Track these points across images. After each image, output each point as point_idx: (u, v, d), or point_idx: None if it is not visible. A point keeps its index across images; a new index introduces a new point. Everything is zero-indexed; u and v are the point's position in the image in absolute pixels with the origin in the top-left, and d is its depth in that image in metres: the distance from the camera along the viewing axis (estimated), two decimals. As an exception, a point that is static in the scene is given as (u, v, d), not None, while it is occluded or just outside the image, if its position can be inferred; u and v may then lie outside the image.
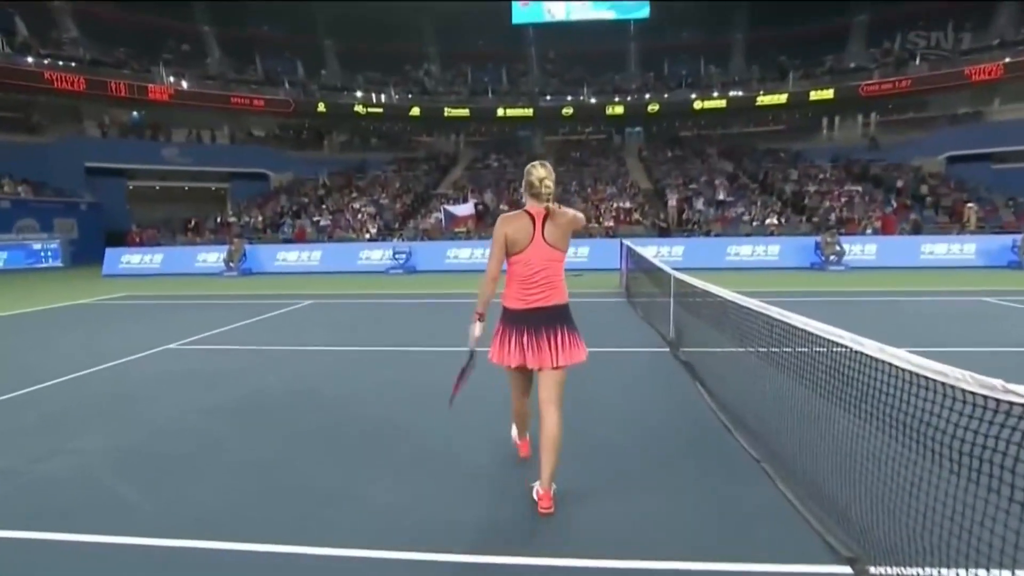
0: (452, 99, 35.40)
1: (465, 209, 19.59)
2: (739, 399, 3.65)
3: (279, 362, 5.88)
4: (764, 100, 31.80)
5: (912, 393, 1.78)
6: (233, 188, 30.57)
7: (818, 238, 15.47)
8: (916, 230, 17.23)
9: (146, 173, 28.95)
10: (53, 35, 28.73)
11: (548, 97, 35.66)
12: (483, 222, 18.71)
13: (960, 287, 10.71)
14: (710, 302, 4.37)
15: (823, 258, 14.89)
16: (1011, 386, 1.36)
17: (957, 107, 28.75)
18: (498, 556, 2.32)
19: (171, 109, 29.81)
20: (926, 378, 1.66)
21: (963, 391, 1.50)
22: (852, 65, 31.91)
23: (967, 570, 1.55)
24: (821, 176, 23.49)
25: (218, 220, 22.95)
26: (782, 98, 31.46)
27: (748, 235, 17.32)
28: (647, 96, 34.37)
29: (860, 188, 21.22)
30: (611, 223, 19.03)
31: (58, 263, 21.01)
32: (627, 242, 10.85)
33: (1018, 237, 14.64)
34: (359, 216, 21.49)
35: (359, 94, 34.69)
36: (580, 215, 2.78)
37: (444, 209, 19.98)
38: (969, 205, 17.87)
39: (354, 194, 25.33)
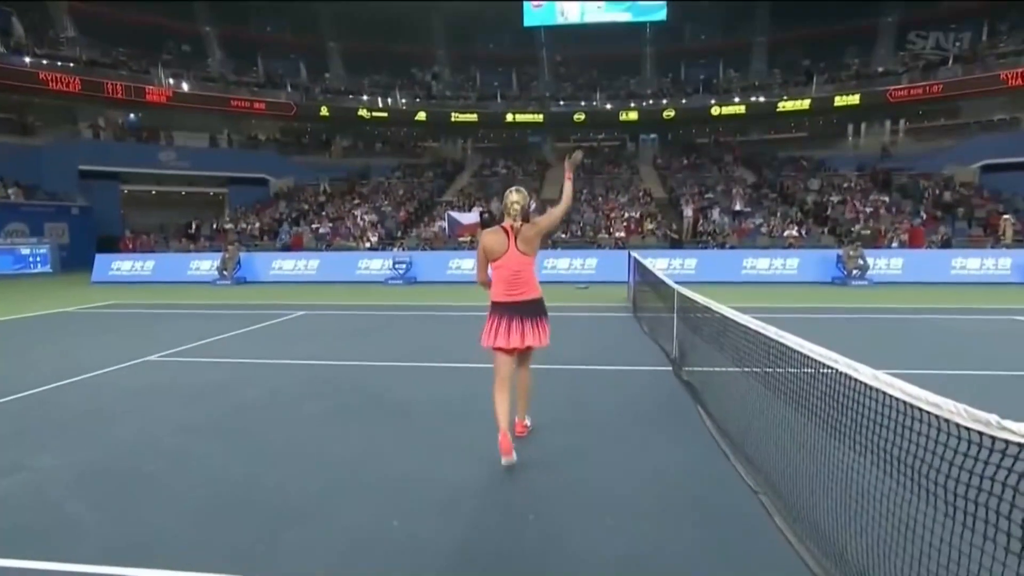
0: (460, 104, 35.65)
1: (470, 218, 19.65)
2: (738, 424, 3.55)
3: (262, 376, 5.86)
4: (786, 106, 31.65)
5: (906, 426, 1.70)
6: (232, 193, 30.87)
7: (840, 251, 15.28)
8: (946, 243, 16.98)
9: (141, 177, 29.24)
10: (50, 34, 29.31)
11: (560, 102, 35.79)
12: (488, 232, 18.69)
13: (993, 304, 10.50)
14: (710, 319, 4.28)
15: (845, 272, 14.69)
16: (1006, 423, 1.27)
17: (992, 113, 28.44)
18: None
19: (169, 111, 30.24)
20: (920, 410, 1.58)
21: (957, 426, 1.42)
22: (880, 69, 31.69)
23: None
24: (845, 185, 23.31)
25: (214, 226, 23.14)
26: (805, 104, 31.30)
27: (766, 247, 17.15)
28: (663, 102, 34.40)
29: (887, 198, 21.01)
30: (622, 234, 18.93)
31: (47, 269, 21.25)
32: (634, 254, 10.76)
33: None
34: (360, 224, 21.59)
35: (364, 98, 35.04)
36: (551, 213, 3.65)
37: (448, 215, 20.07)
38: (1005, 217, 17.59)
39: (356, 201, 25.49)
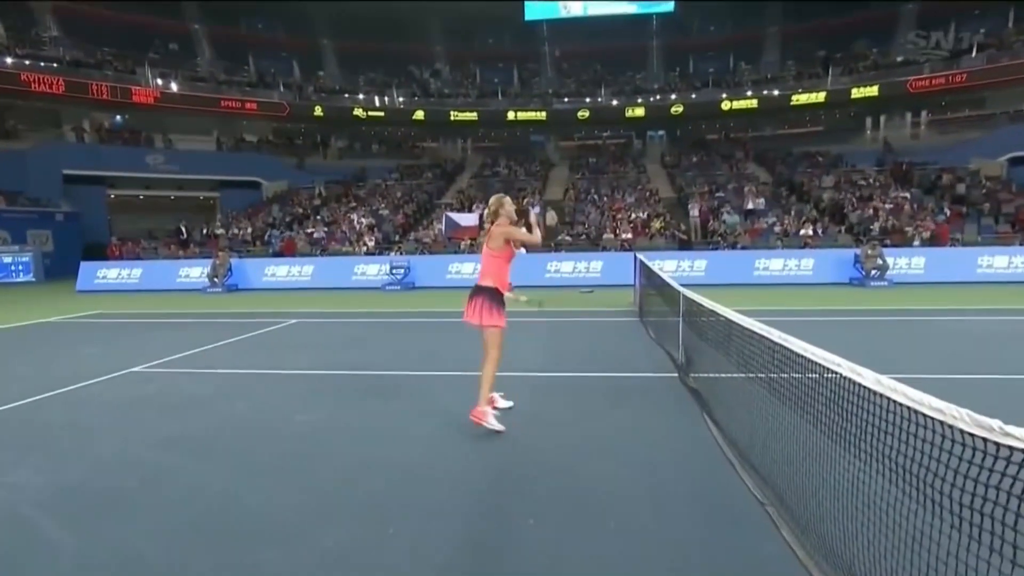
0: (459, 102, 35.77)
1: (470, 219, 19.66)
2: (745, 432, 3.54)
3: (251, 387, 5.87)
4: (800, 99, 31.62)
5: (911, 432, 1.68)
6: (223, 197, 31.04)
7: (858, 250, 15.23)
8: (972, 241, 16.88)
9: (128, 181, 29.42)
10: (32, 34, 29.53)
11: (563, 99, 35.88)
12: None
13: (1021, 305, 10.43)
14: (715, 323, 4.27)
15: (864, 273, 14.63)
16: (1009, 428, 1.25)
17: (1020, 103, 28.28)
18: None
19: (157, 113, 30.43)
20: (924, 415, 1.56)
21: (961, 432, 1.40)
22: (899, 59, 31.57)
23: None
24: (863, 181, 23.22)
25: (204, 232, 23.24)
26: (820, 96, 31.26)
27: (780, 247, 17.10)
28: (671, 97, 34.44)
29: (908, 194, 20.91)
30: (628, 235, 18.92)
31: (30, 278, 21.37)
32: (640, 256, 10.74)
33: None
34: (356, 228, 21.64)
35: (359, 97, 35.20)
36: (523, 233, 4.49)
37: (447, 216, 20.09)
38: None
39: (352, 204, 25.57)
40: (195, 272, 17.96)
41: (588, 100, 35.37)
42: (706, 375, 4.86)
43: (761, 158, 29.87)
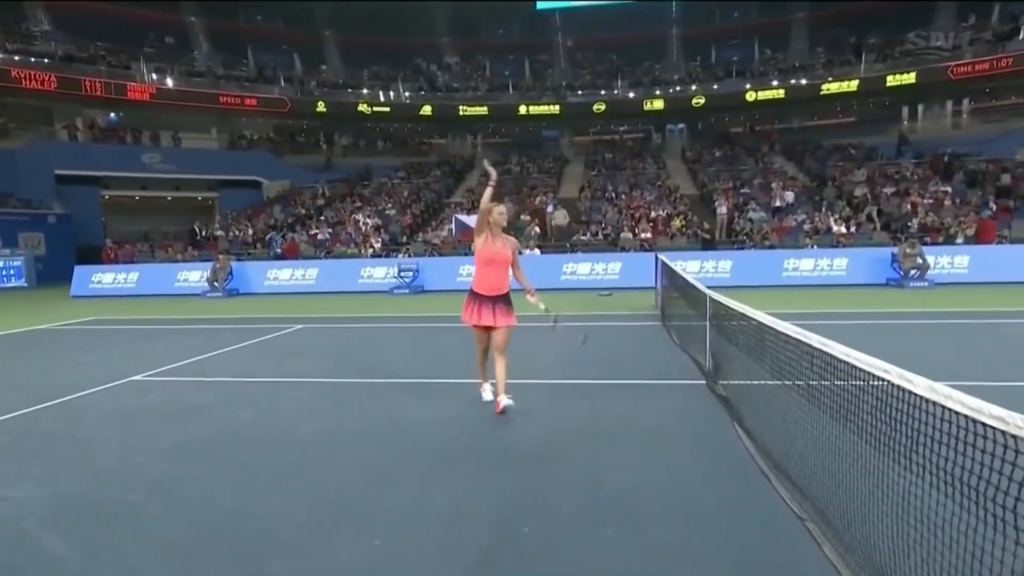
0: (468, 96, 35.96)
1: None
2: (780, 442, 3.51)
3: (256, 395, 5.92)
4: (831, 88, 31.43)
5: (969, 443, 1.66)
6: (222, 198, 31.40)
7: (895, 249, 15.07)
8: (1020, 237, 16.63)
9: (123, 181, 29.78)
10: (22, 28, 29.96)
11: (577, 91, 35.90)
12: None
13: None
14: (746, 327, 4.25)
15: (902, 273, 14.48)
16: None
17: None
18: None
19: (153, 110, 30.85)
20: (984, 425, 1.54)
21: (1026, 441, 1.39)
22: (939, 43, 31.18)
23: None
24: (900, 175, 23.02)
25: (203, 234, 23.48)
26: (852, 85, 31.05)
27: (810, 246, 16.97)
28: (692, 88, 34.38)
29: (949, 188, 20.68)
30: (648, 234, 18.87)
31: (21, 283, 21.68)
32: (662, 256, 10.71)
33: None
34: (362, 229, 21.77)
35: (364, 91, 35.44)
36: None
37: (456, 218, 20.16)
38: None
39: (357, 204, 25.75)
40: (194, 276, 18.14)
41: (604, 92, 35.38)
42: (736, 382, 4.83)
43: (789, 152, 29.72)
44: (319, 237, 21.50)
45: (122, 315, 13.12)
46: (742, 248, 17.81)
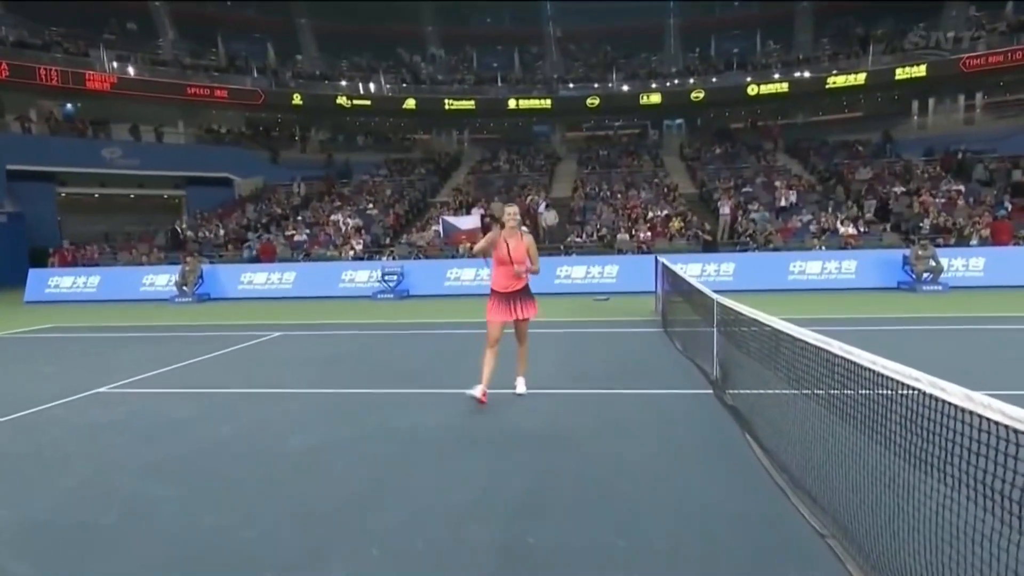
0: (454, 89, 35.96)
1: (469, 221, 19.62)
2: (797, 454, 3.54)
3: (235, 408, 5.89)
4: (836, 82, 31.69)
5: (1009, 454, 1.69)
6: (190, 196, 31.11)
7: (907, 251, 15.23)
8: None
9: (82, 178, 29.30)
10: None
11: (570, 85, 36.01)
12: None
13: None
14: (758, 333, 4.28)
15: (914, 276, 14.63)
16: None
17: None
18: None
19: (114, 101, 30.44)
20: (1025, 434, 1.57)
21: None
22: (950, 34, 31.48)
23: None
24: (911, 173, 23.28)
25: (170, 234, 23.27)
26: (859, 78, 31.33)
27: (817, 248, 17.11)
28: (690, 81, 34.56)
29: (963, 187, 20.93)
30: (647, 235, 18.95)
31: (-31, 288, 21.32)
32: (663, 259, 10.76)
33: None
34: (342, 230, 21.69)
35: (342, 83, 35.35)
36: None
37: (443, 220, 20.08)
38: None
39: (336, 203, 25.64)
40: (161, 280, 17.97)
41: (597, 86, 35.55)
42: (747, 391, 4.86)
43: (793, 148, 29.99)
44: (296, 238, 21.40)
45: (83, 322, 12.97)
46: (745, 250, 17.91)
